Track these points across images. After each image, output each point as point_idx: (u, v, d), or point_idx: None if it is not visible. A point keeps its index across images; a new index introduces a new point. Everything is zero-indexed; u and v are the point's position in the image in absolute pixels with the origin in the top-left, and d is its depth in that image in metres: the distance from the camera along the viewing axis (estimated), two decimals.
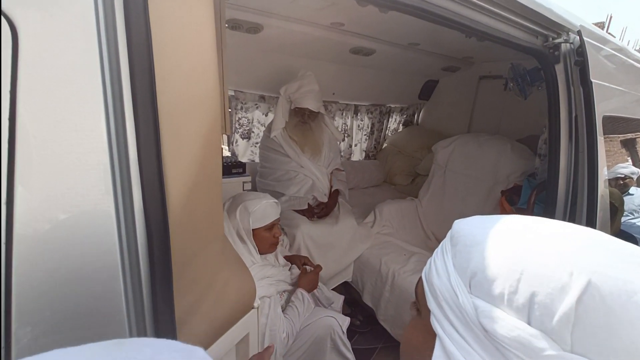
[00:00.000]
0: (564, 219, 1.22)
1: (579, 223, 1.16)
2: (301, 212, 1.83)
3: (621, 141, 2.14)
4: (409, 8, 0.88)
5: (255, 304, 0.71)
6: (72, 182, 0.39)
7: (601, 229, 1.17)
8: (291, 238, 1.70)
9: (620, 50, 1.39)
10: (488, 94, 2.70)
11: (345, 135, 2.86)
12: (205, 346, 0.59)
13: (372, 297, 1.77)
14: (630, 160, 2.32)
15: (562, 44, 1.19)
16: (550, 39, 1.19)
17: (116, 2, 0.42)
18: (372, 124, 3.00)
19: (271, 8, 1.61)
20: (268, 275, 1.13)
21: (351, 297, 1.97)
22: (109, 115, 0.41)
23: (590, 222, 1.13)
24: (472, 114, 2.83)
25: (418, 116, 3.28)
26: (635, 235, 1.88)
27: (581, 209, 1.15)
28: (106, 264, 0.42)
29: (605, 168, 1.19)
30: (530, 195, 1.35)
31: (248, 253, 1.13)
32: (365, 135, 3.02)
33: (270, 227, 1.17)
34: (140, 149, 0.44)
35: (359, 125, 2.93)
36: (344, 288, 1.95)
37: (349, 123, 2.84)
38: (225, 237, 0.97)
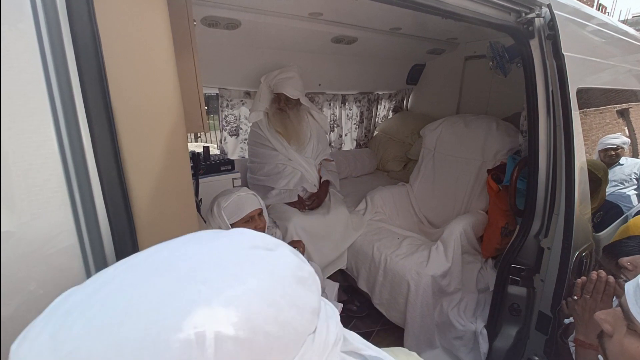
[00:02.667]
0: (545, 194, 1.25)
1: (559, 196, 1.18)
2: (292, 204, 1.85)
3: (617, 111, 2.15)
4: None
5: None
6: (25, 196, 0.40)
7: (581, 201, 1.20)
8: (283, 230, 1.72)
9: (595, 20, 1.39)
10: (475, 74, 2.69)
11: (335, 125, 2.86)
12: None
13: (367, 282, 1.80)
14: (627, 130, 2.33)
15: (536, 19, 1.19)
16: (523, 14, 1.19)
17: (60, 14, 0.43)
18: (361, 113, 2.99)
19: (246, 2, 1.60)
20: None
21: (348, 284, 2.01)
22: (59, 125, 0.42)
23: (569, 194, 1.15)
24: (461, 95, 2.83)
25: (407, 101, 3.27)
26: (621, 204, 1.90)
27: (560, 182, 1.17)
28: (72, 278, 0.44)
29: (582, 140, 1.20)
30: (512, 172, 1.37)
31: None
32: (354, 124, 3.02)
33: (248, 220, 1.19)
34: (98, 157, 0.46)
35: (347, 115, 2.93)
36: (341, 275, 1.99)
37: (337, 113, 2.84)
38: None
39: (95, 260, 0.46)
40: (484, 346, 1.44)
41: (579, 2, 1.40)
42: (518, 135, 1.79)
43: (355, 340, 0.34)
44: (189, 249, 0.28)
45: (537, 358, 1.28)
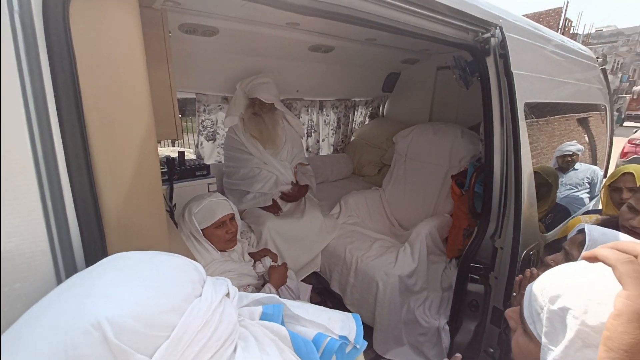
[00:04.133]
0: (499, 198, 1.36)
1: (509, 199, 1.29)
2: (266, 208, 1.90)
3: (577, 120, 2.34)
4: (341, 17, 0.96)
5: None
6: None
7: (530, 204, 1.31)
8: (258, 234, 1.76)
9: (543, 40, 1.53)
10: (446, 84, 2.82)
11: (312, 131, 2.93)
12: None
13: (339, 284, 1.87)
14: (586, 137, 2.53)
15: (491, 38, 1.30)
16: (480, 34, 1.30)
17: (37, 29, 0.47)
18: (338, 119, 3.08)
19: (223, 11, 1.63)
20: (228, 270, 1.20)
21: (322, 286, 2.07)
22: (33, 133, 0.46)
23: (518, 198, 1.26)
24: (433, 103, 2.96)
25: (383, 108, 3.39)
26: (575, 205, 2.08)
27: (510, 187, 1.28)
28: (41, 277, 0.47)
29: (529, 150, 1.32)
30: (471, 178, 1.48)
31: (206, 251, 1.18)
32: (332, 129, 3.10)
33: (219, 225, 1.22)
34: (70, 165, 0.49)
35: (325, 121, 3.01)
36: (315, 278, 2.04)
37: (315, 119, 2.91)
38: (178, 237, 1.03)
39: (66, 268, 0.49)
40: (446, 341, 1.54)
41: (531, 22, 1.54)
42: (479, 143, 1.92)
43: (252, 294, 0.51)
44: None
45: (491, 350, 1.39)
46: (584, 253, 0.39)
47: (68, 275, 0.49)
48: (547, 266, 0.97)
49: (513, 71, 1.24)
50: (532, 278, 0.88)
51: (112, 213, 0.56)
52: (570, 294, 0.40)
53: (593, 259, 0.37)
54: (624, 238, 0.77)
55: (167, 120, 1.07)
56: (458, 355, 0.70)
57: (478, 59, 1.35)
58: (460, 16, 1.20)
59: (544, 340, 0.43)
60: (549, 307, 0.42)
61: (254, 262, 1.45)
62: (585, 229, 0.79)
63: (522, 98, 1.28)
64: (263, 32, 1.88)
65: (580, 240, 0.80)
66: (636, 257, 0.33)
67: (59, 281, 0.49)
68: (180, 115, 1.13)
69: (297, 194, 2.02)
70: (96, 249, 0.52)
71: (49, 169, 0.47)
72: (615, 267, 0.33)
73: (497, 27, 1.28)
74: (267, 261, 1.51)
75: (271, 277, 1.37)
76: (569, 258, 0.82)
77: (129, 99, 0.61)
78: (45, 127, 0.47)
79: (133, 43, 0.62)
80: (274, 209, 1.91)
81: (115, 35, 0.59)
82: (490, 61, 1.32)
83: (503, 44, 1.26)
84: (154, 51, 1.04)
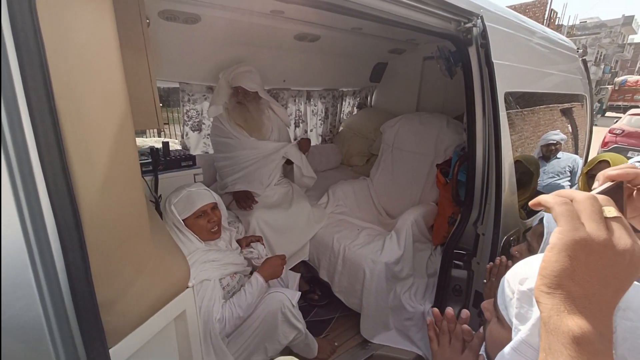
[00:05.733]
0: (482, 186, 1.39)
1: (490, 187, 1.33)
2: (239, 204, 1.85)
3: (560, 110, 2.40)
4: (326, 5, 0.95)
5: (190, 284, 0.78)
6: None
7: (511, 192, 1.35)
8: (246, 224, 1.76)
9: (524, 31, 1.55)
10: (432, 74, 2.83)
11: (300, 121, 2.91)
12: (139, 322, 0.66)
13: (328, 272, 1.90)
14: (569, 127, 2.60)
15: (473, 28, 1.31)
16: (462, 23, 1.31)
17: (2, 15, 0.45)
18: (326, 109, 3.07)
19: None
20: (212, 259, 1.20)
21: (310, 275, 2.10)
22: (1, 125, 0.44)
23: (499, 186, 1.30)
24: (420, 93, 2.97)
25: (371, 98, 3.39)
26: None
27: (492, 175, 1.32)
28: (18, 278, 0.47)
29: (509, 139, 1.35)
30: (454, 167, 1.51)
31: (189, 241, 1.18)
32: (320, 120, 3.09)
33: (200, 214, 1.22)
34: (42, 154, 0.48)
35: (313, 111, 2.99)
36: (303, 266, 2.07)
37: (302, 109, 2.89)
38: (162, 226, 1.03)
39: (43, 263, 0.48)
40: None
41: (513, 12, 1.55)
42: (463, 132, 1.95)
43: None
44: None
45: (474, 332, 1.44)
46: (531, 201, 0.41)
47: (45, 271, 0.49)
48: (514, 257, 0.99)
49: (494, 61, 1.26)
50: (502, 266, 0.90)
51: (90, 205, 0.56)
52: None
53: (537, 205, 0.39)
54: None
55: (148, 109, 1.05)
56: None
57: (461, 48, 1.36)
58: (442, 5, 1.20)
59: (514, 321, 0.44)
60: (519, 289, 0.44)
61: (242, 249, 1.45)
62: (544, 220, 0.80)
63: (503, 88, 1.30)
64: (246, 19, 1.84)
65: (540, 232, 0.81)
66: (571, 200, 0.36)
67: (36, 276, 0.48)
68: (161, 105, 1.11)
69: (304, 142, 2.04)
70: (73, 242, 0.51)
71: (21, 162, 0.46)
72: (553, 209, 0.36)
73: (479, 17, 1.29)
74: (259, 247, 1.50)
75: (263, 266, 1.35)
76: (531, 249, 0.84)
77: (102, 88, 0.60)
78: (16, 118, 0.46)
79: (105, 29, 0.61)
80: (245, 201, 1.83)
81: (85, 21, 0.57)
82: (472, 51, 1.34)
83: (484, 33, 1.27)
84: (131, 38, 1.01)
